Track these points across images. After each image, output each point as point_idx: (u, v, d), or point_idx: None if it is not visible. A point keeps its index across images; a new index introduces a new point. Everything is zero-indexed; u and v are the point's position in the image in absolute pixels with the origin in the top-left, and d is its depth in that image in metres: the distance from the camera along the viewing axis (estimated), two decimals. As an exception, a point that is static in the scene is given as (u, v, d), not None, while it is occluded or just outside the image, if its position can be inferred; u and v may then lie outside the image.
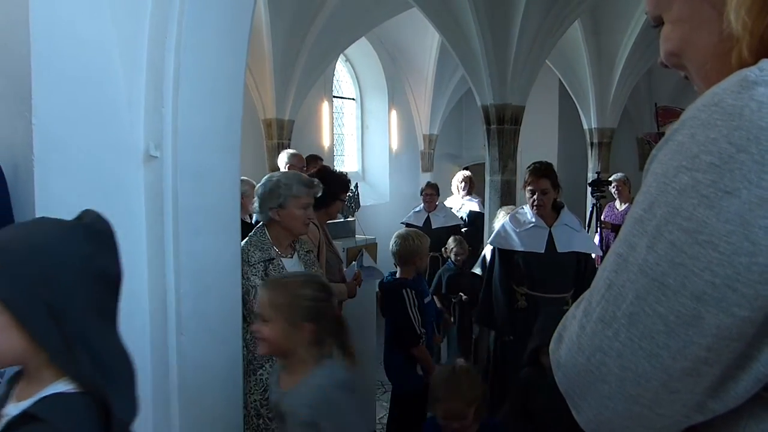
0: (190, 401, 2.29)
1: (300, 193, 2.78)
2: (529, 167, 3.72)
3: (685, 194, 0.56)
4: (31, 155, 1.92)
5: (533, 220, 3.66)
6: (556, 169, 3.72)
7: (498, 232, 3.83)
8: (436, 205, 6.61)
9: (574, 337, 0.66)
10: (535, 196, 3.61)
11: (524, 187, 3.70)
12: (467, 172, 7.45)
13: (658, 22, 0.75)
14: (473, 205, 7.10)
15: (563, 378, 0.67)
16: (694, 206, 0.55)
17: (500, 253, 3.79)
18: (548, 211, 3.66)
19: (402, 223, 6.23)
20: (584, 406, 0.65)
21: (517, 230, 3.68)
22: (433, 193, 6.60)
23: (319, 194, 2.92)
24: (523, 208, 3.84)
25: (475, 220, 6.95)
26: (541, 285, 3.68)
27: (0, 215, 1.89)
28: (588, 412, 0.65)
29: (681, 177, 0.57)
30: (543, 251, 3.61)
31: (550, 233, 3.65)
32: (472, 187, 7.18)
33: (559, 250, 3.61)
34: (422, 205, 6.61)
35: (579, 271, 3.70)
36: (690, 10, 0.68)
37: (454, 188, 7.10)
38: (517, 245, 3.68)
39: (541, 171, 3.61)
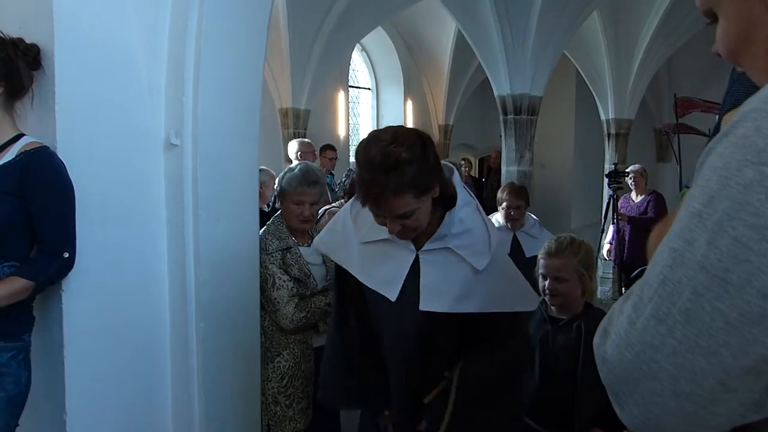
0: (209, 388, 2.32)
1: (289, 188, 2.67)
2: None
3: (752, 189, 0.54)
4: (55, 143, 1.95)
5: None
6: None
7: (331, 226, 2.01)
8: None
9: (622, 332, 0.63)
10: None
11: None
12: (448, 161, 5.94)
13: (709, 16, 0.73)
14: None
15: (608, 374, 0.65)
16: (761, 202, 0.53)
17: (336, 268, 2.00)
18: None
19: None
20: (630, 403, 0.63)
21: (362, 238, 1.85)
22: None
23: (321, 195, 2.79)
24: None
25: None
26: (391, 350, 1.87)
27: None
28: (634, 410, 0.63)
29: (746, 171, 0.55)
30: (394, 299, 1.77)
31: (417, 261, 1.79)
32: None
33: (421, 306, 1.74)
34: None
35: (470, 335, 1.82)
36: (743, 6, 0.67)
37: None
38: (354, 268, 1.88)
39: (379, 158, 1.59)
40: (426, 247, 1.77)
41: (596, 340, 0.69)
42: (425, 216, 1.70)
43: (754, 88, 0.65)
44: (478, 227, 1.79)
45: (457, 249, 1.75)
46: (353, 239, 1.87)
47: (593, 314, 2.16)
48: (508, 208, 3.76)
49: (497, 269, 1.79)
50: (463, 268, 1.75)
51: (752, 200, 0.54)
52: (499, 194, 3.88)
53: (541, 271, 2.23)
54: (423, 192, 1.64)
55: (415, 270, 1.78)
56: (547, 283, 2.20)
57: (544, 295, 2.21)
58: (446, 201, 1.75)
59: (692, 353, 0.57)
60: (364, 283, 1.85)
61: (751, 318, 0.54)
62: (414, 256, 1.79)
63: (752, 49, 0.68)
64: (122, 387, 2.21)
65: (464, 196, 1.78)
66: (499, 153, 10.52)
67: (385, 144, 1.58)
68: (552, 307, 2.23)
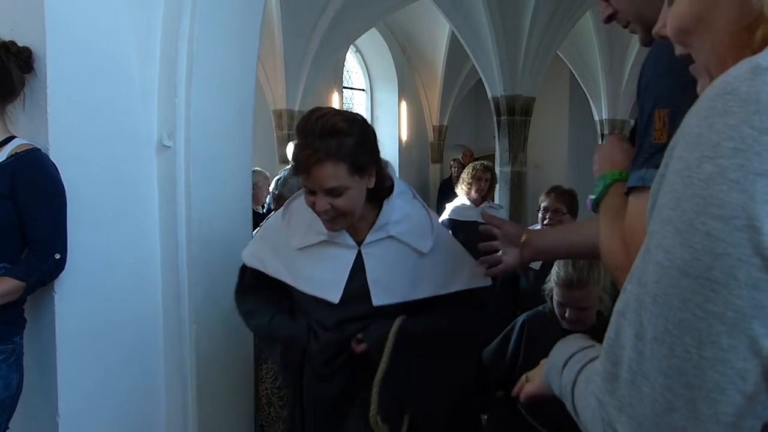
0: (202, 389, 2.32)
1: (289, 195, 2.63)
2: None
3: (713, 182, 0.53)
4: (47, 144, 1.94)
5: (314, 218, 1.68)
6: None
7: (259, 239, 1.97)
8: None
9: (633, 366, 0.59)
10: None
11: None
12: (487, 163, 4.64)
13: None
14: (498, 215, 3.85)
15: (630, 422, 0.59)
16: (724, 192, 0.52)
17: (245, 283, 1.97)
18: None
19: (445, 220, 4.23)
20: None
21: (296, 244, 1.75)
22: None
23: None
24: None
25: None
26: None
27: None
28: None
29: (705, 167, 0.54)
30: (337, 301, 1.67)
31: (359, 257, 1.70)
32: (492, 185, 4.32)
33: (374, 302, 1.67)
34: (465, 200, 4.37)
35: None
36: None
37: (462, 189, 4.31)
38: (290, 277, 1.77)
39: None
40: (368, 239, 1.69)
41: (601, 387, 0.63)
42: (357, 201, 1.61)
43: None
44: (416, 212, 1.76)
45: (400, 235, 1.69)
46: (287, 247, 1.76)
47: (607, 325, 2.05)
48: (544, 210, 3.15)
49: (443, 250, 1.75)
50: (408, 254, 1.70)
51: (715, 192, 0.53)
52: (541, 197, 3.31)
53: (559, 299, 2.05)
54: (357, 170, 1.56)
55: (359, 267, 1.69)
56: (567, 312, 2.03)
57: (564, 321, 2.05)
58: (382, 193, 1.70)
59: (699, 368, 0.53)
60: (304, 290, 1.73)
61: (748, 312, 0.51)
62: (356, 252, 1.70)
63: (709, 32, 0.66)
64: (115, 388, 2.21)
65: (400, 185, 1.75)
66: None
67: (325, 114, 1.56)
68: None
